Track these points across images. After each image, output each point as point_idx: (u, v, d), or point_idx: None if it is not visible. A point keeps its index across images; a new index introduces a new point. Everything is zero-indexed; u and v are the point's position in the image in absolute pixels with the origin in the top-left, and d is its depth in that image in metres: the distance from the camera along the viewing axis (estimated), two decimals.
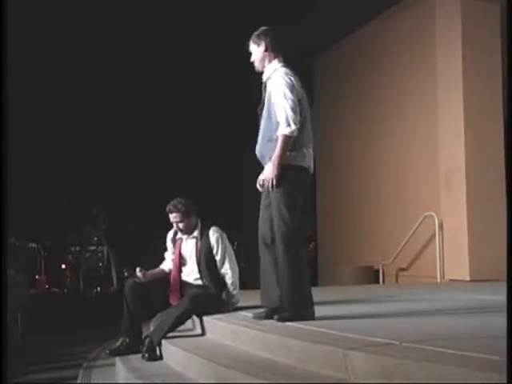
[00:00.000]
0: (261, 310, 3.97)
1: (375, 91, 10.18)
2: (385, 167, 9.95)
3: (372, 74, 10.26)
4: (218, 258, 4.57)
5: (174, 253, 4.78)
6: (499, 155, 7.92)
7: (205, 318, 4.41)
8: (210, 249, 4.58)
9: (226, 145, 16.01)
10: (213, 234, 4.62)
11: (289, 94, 3.67)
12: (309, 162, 3.76)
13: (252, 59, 3.90)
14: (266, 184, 3.67)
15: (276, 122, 3.69)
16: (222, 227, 4.77)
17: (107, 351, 4.65)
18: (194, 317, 4.53)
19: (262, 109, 3.87)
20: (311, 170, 3.81)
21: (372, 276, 9.15)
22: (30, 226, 17.67)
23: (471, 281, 7.73)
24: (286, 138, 3.62)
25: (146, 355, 4.12)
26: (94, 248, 24.69)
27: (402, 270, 9.30)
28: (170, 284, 4.64)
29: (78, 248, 23.20)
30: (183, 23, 10.84)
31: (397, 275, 9.36)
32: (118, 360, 4.41)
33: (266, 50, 3.84)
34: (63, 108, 14.28)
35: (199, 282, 4.61)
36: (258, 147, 3.81)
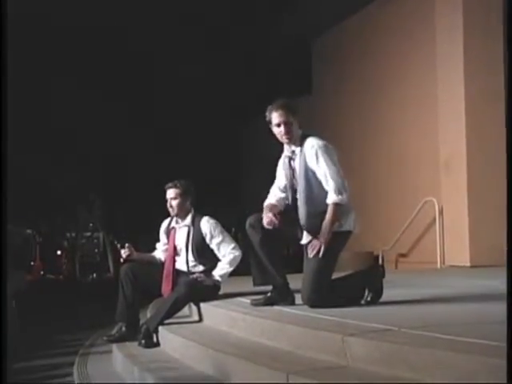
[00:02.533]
0: (259, 297, 4.01)
1: (375, 76, 10.15)
2: (385, 152, 9.97)
3: (372, 59, 10.23)
4: (216, 241, 4.60)
5: (166, 243, 4.82)
6: (501, 139, 7.86)
7: (202, 305, 4.44)
8: (203, 236, 4.62)
9: (225, 131, 15.99)
10: (207, 221, 4.68)
11: (334, 160, 3.72)
12: (354, 224, 3.82)
13: (286, 130, 3.79)
14: (311, 250, 3.69)
15: (320, 190, 3.72)
16: (221, 215, 4.81)
17: (104, 338, 4.69)
18: (191, 303, 4.56)
19: (291, 180, 3.87)
20: (355, 230, 3.85)
21: (371, 261, 9.18)
22: (25, 212, 17.66)
23: (472, 266, 7.76)
24: (338, 206, 3.67)
25: (143, 342, 4.15)
26: (89, 234, 24.76)
27: (402, 255, 9.34)
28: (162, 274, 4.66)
29: (73, 234, 23.25)
30: (183, 11, 10.88)
31: (396, 261, 9.41)
32: (114, 347, 4.44)
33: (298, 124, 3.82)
34: (60, 93, 14.28)
35: (196, 269, 4.63)
36: (304, 221, 3.78)
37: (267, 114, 3.86)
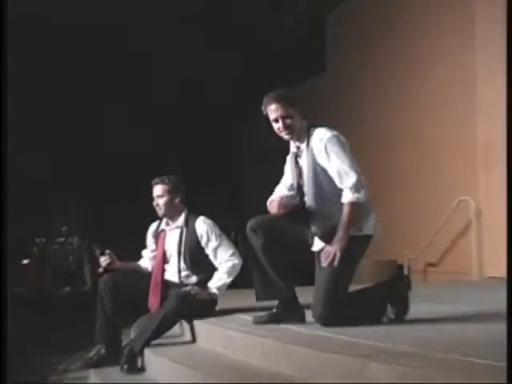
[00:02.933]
0: (263, 313, 4.05)
1: (403, 53, 10.11)
2: (413, 142, 9.89)
3: (399, 34, 10.18)
4: (213, 245, 4.66)
5: (155, 250, 4.86)
6: None
7: (195, 322, 4.47)
8: (198, 239, 4.69)
9: (223, 125, 16.08)
10: (203, 221, 4.74)
11: (347, 153, 3.76)
12: (374, 227, 3.85)
13: (284, 125, 3.86)
14: (325, 257, 3.72)
15: (333, 189, 3.76)
16: (219, 217, 4.87)
17: (79, 363, 4.72)
18: (183, 320, 4.59)
19: (298, 180, 3.93)
20: (375, 234, 3.88)
21: (394, 271, 9.19)
22: None
23: None
24: (355, 206, 3.71)
25: (126, 367, 4.18)
26: (63, 240, 24.69)
27: (431, 265, 9.34)
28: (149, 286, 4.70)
29: (43, 240, 23.17)
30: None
31: (425, 271, 9.41)
32: (92, 373, 4.47)
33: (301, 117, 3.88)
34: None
35: (189, 280, 4.67)
36: (316, 228, 3.84)
37: (263, 108, 3.93)
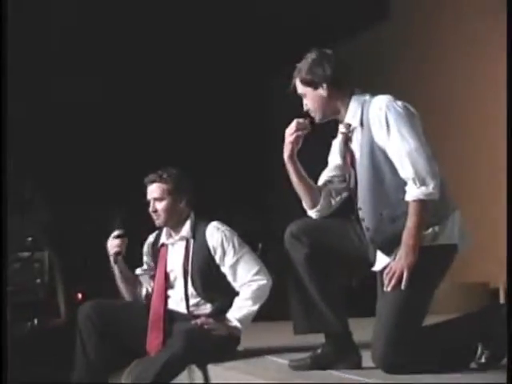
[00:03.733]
0: (303, 355, 4.07)
1: None
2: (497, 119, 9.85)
3: None
4: (230, 261, 4.67)
5: (152, 269, 4.91)
6: None
7: (210, 367, 4.50)
8: (210, 254, 4.70)
9: (240, 88, 16.05)
10: (217, 229, 4.75)
11: (416, 131, 3.74)
12: (457, 232, 3.82)
13: (305, 106, 4.00)
14: (389, 278, 3.72)
15: (396, 181, 3.76)
16: (237, 222, 4.87)
17: None
18: (193, 365, 4.63)
19: (349, 170, 3.99)
20: (462, 244, 3.87)
21: (487, 298, 9.14)
22: None
23: None
24: (424, 204, 3.68)
25: None
26: (27, 255, 24.84)
27: None
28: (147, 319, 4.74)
29: None
30: None
31: None
32: None
33: (333, 88, 3.91)
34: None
35: (200, 310, 4.72)
36: (372, 231, 3.86)
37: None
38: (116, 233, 4.77)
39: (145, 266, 5.03)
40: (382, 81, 10.35)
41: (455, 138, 10.37)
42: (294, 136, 3.95)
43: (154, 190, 4.75)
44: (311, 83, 3.91)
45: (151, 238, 5.01)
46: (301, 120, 3.96)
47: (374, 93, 3.92)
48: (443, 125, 9.99)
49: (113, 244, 4.77)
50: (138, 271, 5.03)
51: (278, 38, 13.16)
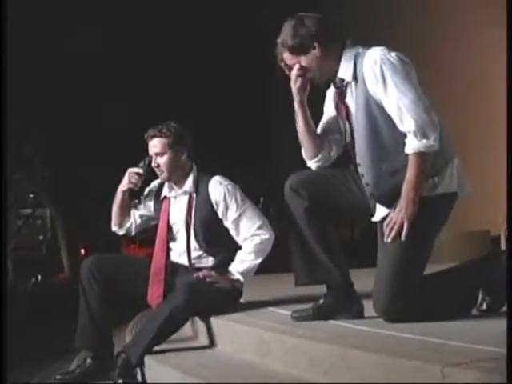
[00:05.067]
0: (305, 306, 4.09)
1: None
2: None
3: None
4: (233, 215, 4.69)
5: (153, 219, 4.93)
6: None
7: (213, 320, 4.52)
8: (212, 208, 4.73)
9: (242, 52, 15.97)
10: (219, 183, 4.76)
11: (412, 81, 3.70)
12: (456, 181, 3.80)
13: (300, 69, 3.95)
14: (389, 229, 3.72)
15: (393, 133, 3.74)
16: (240, 176, 4.87)
17: (58, 376, 4.79)
18: (196, 318, 4.65)
19: (345, 124, 3.97)
20: (461, 191, 3.86)
21: (488, 246, 9.15)
22: None
23: None
24: (424, 156, 3.67)
25: (120, 382, 4.22)
26: (29, 212, 24.71)
27: None
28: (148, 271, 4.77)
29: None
30: None
31: None
32: None
33: (325, 44, 3.87)
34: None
35: (203, 263, 4.75)
36: (372, 188, 3.84)
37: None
38: (139, 170, 4.81)
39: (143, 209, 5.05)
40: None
41: (455, 88, 10.34)
42: (299, 82, 3.94)
43: (155, 145, 4.77)
44: (301, 48, 3.89)
45: (154, 187, 5.02)
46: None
47: (368, 44, 3.91)
48: (443, 75, 9.93)
49: (130, 179, 4.81)
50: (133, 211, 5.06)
51: None
